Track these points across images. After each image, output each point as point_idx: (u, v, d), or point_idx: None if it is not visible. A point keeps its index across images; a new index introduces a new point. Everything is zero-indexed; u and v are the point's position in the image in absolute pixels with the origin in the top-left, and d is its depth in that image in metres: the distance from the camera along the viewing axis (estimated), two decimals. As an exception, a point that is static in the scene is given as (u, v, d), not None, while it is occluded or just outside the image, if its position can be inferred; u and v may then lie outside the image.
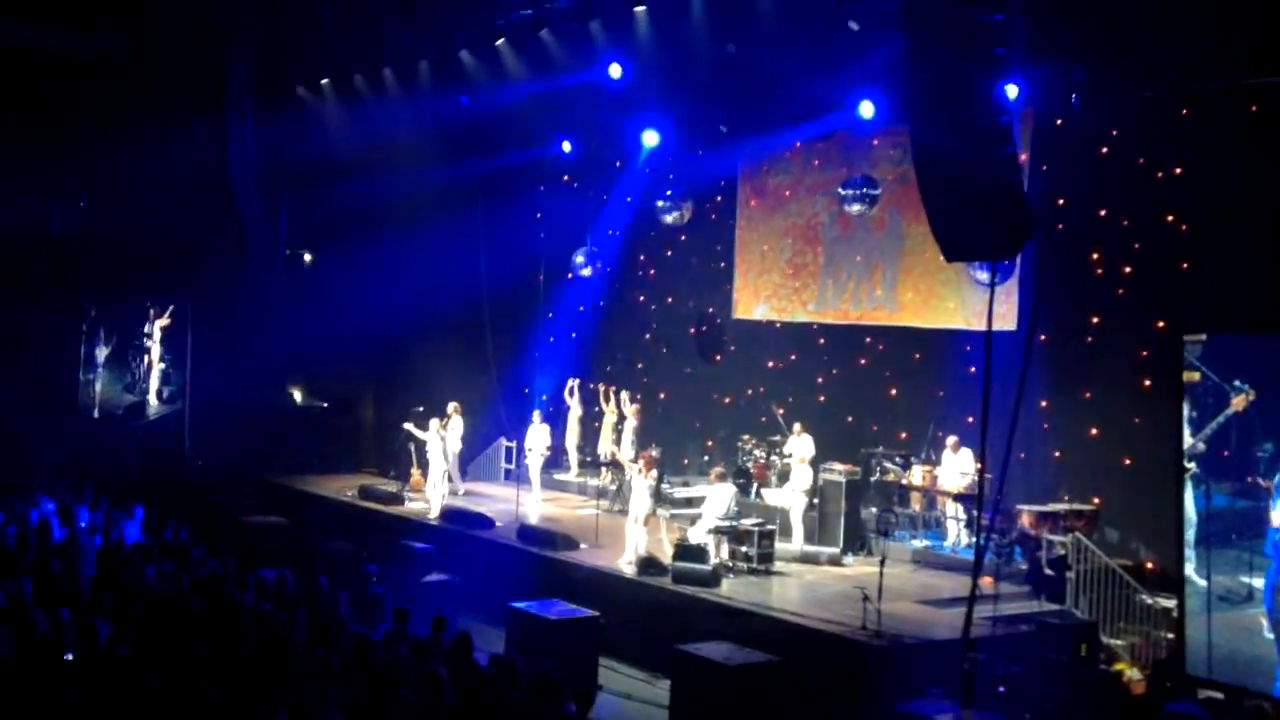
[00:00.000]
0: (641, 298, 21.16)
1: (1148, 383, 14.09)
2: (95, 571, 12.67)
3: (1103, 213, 14.73)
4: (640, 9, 16.74)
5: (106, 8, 20.69)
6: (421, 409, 18.85)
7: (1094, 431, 14.84)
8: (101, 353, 23.96)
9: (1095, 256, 14.84)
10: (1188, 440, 11.33)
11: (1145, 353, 14.20)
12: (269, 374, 22.35)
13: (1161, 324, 13.87)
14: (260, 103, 21.66)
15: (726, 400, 19.67)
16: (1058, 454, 15.09)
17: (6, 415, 21.16)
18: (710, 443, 19.58)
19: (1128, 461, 14.39)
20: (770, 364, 19.07)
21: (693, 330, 20.44)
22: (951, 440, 15.39)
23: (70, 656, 9.49)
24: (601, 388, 19.83)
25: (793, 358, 18.77)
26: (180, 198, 21.51)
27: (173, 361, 22.84)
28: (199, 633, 10.24)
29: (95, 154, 21.41)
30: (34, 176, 21.39)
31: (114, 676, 8.94)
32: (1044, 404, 14.83)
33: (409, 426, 18.59)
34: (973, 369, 14.61)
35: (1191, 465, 11.31)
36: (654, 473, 15.07)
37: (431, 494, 17.93)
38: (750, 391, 19.22)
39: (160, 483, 19.66)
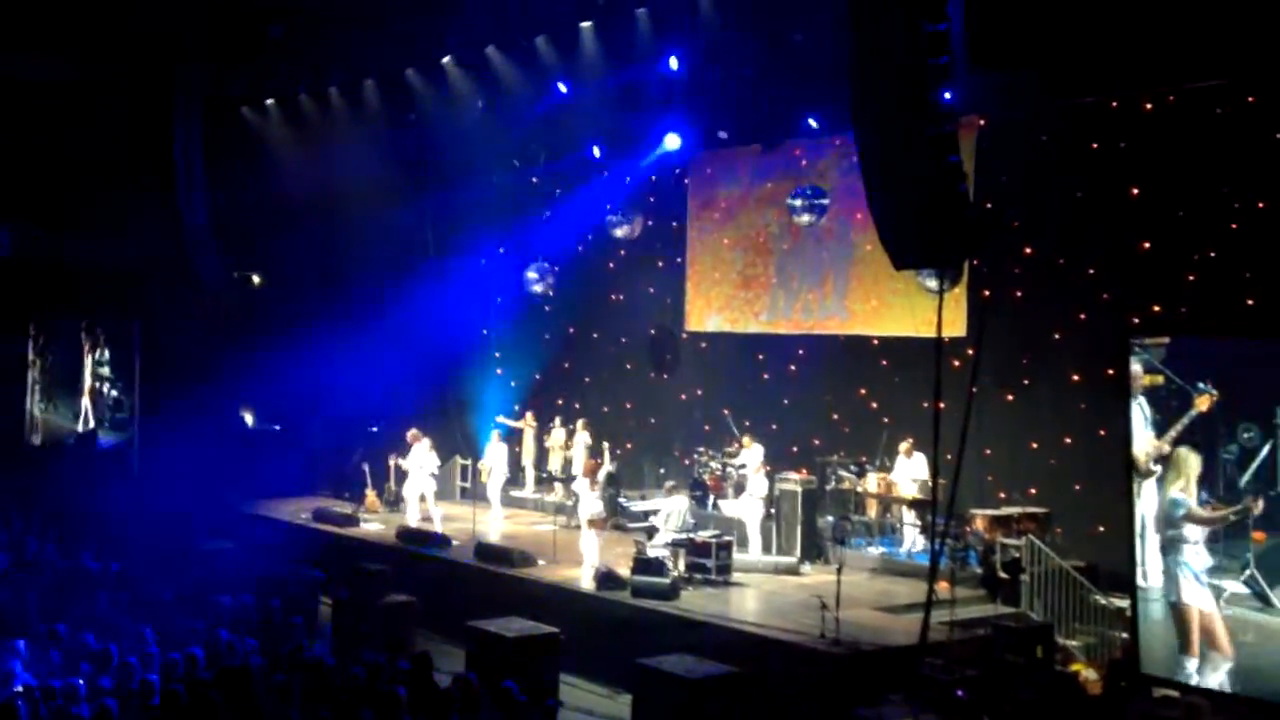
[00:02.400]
0: (594, 312, 21.14)
1: (1098, 386, 14.25)
2: (46, 602, 12.46)
3: (1052, 217, 14.90)
4: (586, 24, 16.81)
5: (56, 32, 20.45)
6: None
7: (1045, 435, 15.00)
8: (43, 379, 23.64)
9: (1043, 262, 15.02)
10: (1152, 443, 11.39)
11: (1096, 356, 14.37)
12: (219, 398, 22.11)
13: (1110, 328, 14.04)
14: (208, 125, 21.48)
15: (680, 413, 19.70)
16: (1010, 458, 15.24)
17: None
18: (665, 455, 19.60)
19: (1079, 464, 14.55)
20: (724, 375, 19.12)
21: (646, 343, 20.46)
22: (905, 445, 15.51)
23: (21, 687, 9.35)
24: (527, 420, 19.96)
25: (746, 369, 18.83)
26: (128, 220, 21.24)
27: (123, 388, 22.55)
28: (153, 661, 10.12)
29: (41, 177, 21.15)
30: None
31: (68, 706, 8.81)
32: (995, 409, 14.98)
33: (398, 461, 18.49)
34: (923, 376, 14.72)
35: (1156, 468, 11.38)
36: (598, 477, 15.14)
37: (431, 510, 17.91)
38: (704, 403, 19.26)
39: (111, 510, 19.37)
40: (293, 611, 12.86)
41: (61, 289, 22.19)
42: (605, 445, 18.87)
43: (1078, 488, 14.53)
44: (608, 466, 18.48)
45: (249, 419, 23.08)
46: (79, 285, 21.98)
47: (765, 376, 18.48)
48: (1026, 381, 15.22)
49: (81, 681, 9.59)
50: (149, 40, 20.60)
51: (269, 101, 21.18)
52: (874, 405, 16.84)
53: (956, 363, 14.17)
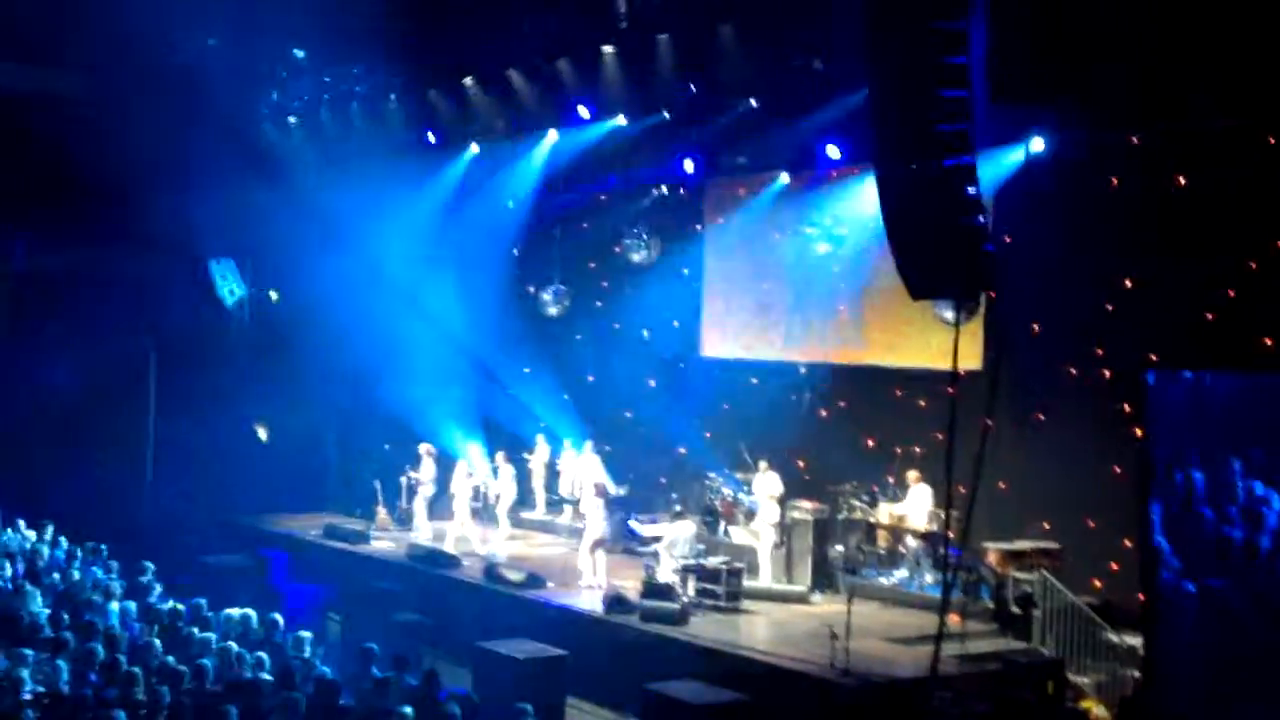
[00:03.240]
0: (608, 335, 21.16)
1: (1112, 421, 14.21)
2: (56, 611, 12.47)
3: (1067, 252, 14.89)
4: (608, 49, 16.89)
5: (71, 47, 20.61)
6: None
7: (1059, 469, 14.94)
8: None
9: (1060, 296, 14.99)
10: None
11: (1110, 391, 14.34)
12: (233, 412, 22.18)
13: (1126, 363, 14.01)
14: (225, 140, 21.61)
15: (693, 438, 19.66)
16: (1023, 492, 15.17)
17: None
18: (676, 480, 19.55)
19: (1093, 500, 14.48)
20: (738, 401, 19.09)
21: (660, 367, 20.46)
22: (912, 475, 15.45)
23: (28, 695, 9.35)
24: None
25: (760, 395, 18.81)
26: (144, 236, 21.34)
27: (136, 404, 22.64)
28: (162, 673, 10.11)
29: (57, 192, 21.27)
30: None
31: (74, 717, 8.81)
32: (1009, 442, 14.93)
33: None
34: (938, 407, 14.69)
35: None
36: (602, 500, 15.24)
37: (469, 532, 17.78)
38: (718, 429, 19.22)
39: (122, 521, 19.43)
40: (301, 627, 12.84)
41: (79, 303, 22.30)
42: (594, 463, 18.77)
43: (1091, 524, 14.45)
44: (617, 490, 18.49)
45: (263, 434, 23.11)
46: (96, 299, 22.07)
47: (779, 404, 18.44)
48: (1042, 415, 15.16)
49: (89, 691, 9.61)
50: (164, 60, 20.77)
51: (291, 119, 21.29)
52: (888, 436, 16.78)
53: (971, 395, 14.15)
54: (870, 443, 17.07)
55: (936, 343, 15.81)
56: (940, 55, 10.67)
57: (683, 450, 19.70)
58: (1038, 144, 14.06)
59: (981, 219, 11.09)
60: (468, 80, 18.58)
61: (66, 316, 22.48)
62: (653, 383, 20.49)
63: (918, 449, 15.72)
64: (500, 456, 19.14)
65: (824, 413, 17.81)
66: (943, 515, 14.32)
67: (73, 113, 21.13)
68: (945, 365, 12.20)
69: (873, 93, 11.20)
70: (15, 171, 20.91)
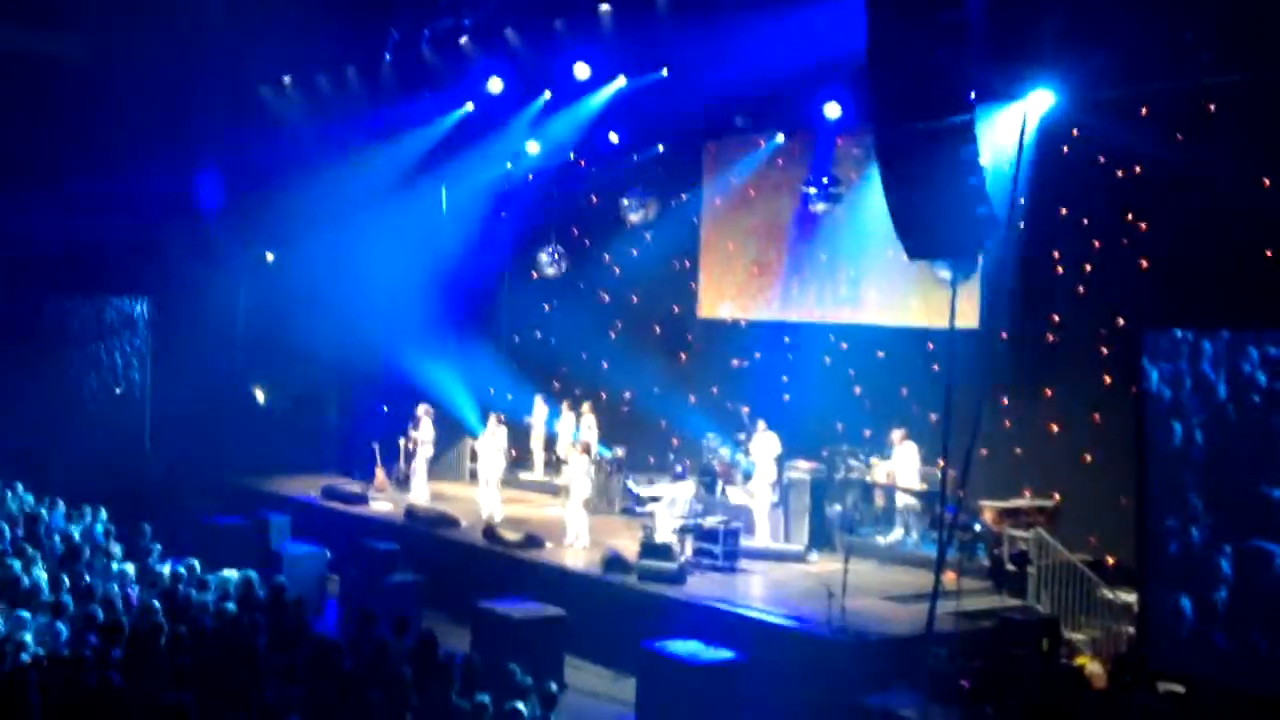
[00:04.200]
0: (606, 296, 21.13)
1: (1108, 380, 14.23)
2: (55, 574, 12.50)
3: (1064, 211, 14.86)
4: (605, 7, 16.75)
5: (72, 10, 20.48)
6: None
7: (1055, 428, 14.98)
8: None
9: (1056, 255, 14.97)
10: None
11: (1106, 350, 14.35)
12: (231, 373, 22.19)
13: (1121, 321, 14.01)
14: (224, 100, 21.51)
15: (691, 399, 19.69)
16: (1019, 450, 15.22)
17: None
18: (675, 441, 19.59)
19: (1088, 458, 14.53)
20: (735, 362, 19.11)
21: (657, 329, 20.46)
22: (898, 433, 15.46)
23: (28, 658, 9.39)
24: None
25: (757, 356, 18.82)
26: (143, 195, 21.26)
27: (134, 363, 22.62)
28: (160, 635, 10.15)
29: (58, 154, 21.18)
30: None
31: (75, 679, 8.85)
32: (1005, 401, 14.96)
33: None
34: (935, 366, 14.71)
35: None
36: (588, 457, 15.63)
37: (486, 497, 17.70)
38: (715, 390, 19.25)
39: (120, 483, 19.45)
40: (300, 588, 12.90)
41: (77, 263, 22.24)
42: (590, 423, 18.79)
43: (1087, 481, 14.50)
44: (615, 452, 18.54)
45: (260, 395, 23.13)
46: (95, 259, 22.01)
47: (776, 364, 18.45)
48: (1037, 374, 15.17)
49: (89, 653, 9.65)
50: (166, 23, 20.62)
51: (286, 79, 21.15)
52: (885, 395, 16.80)
53: (968, 353, 14.14)
54: (867, 403, 17.09)
55: (934, 302, 15.84)
56: (939, 11, 10.60)
57: (678, 411, 19.71)
58: (1037, 102, 13.96)
59: (978, 179, 11.05)
60: (463, 40, 18.42)
61: (64, 279, 22.45)
62: (648, 343, 20.49)
63: (915, 408, 15.73)
64: (494, 419, 19.09)
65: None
66: (935, 473, 14.39)
67: (73, 75, 21.05)
68: (943, 324, 12.21)
69: (872, 50, 11.12)
70: (11, 133, 20.83)
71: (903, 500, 15.70)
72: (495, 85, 18.49)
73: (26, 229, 21.84)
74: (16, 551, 13.16)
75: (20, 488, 17.24)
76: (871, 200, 15.91)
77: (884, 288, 16.98)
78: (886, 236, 13.76)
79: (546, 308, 21.69)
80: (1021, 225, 14.73)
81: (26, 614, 10.53)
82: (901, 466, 15.41)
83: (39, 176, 21.23)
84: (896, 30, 10.90)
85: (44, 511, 15.75)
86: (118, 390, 22.58)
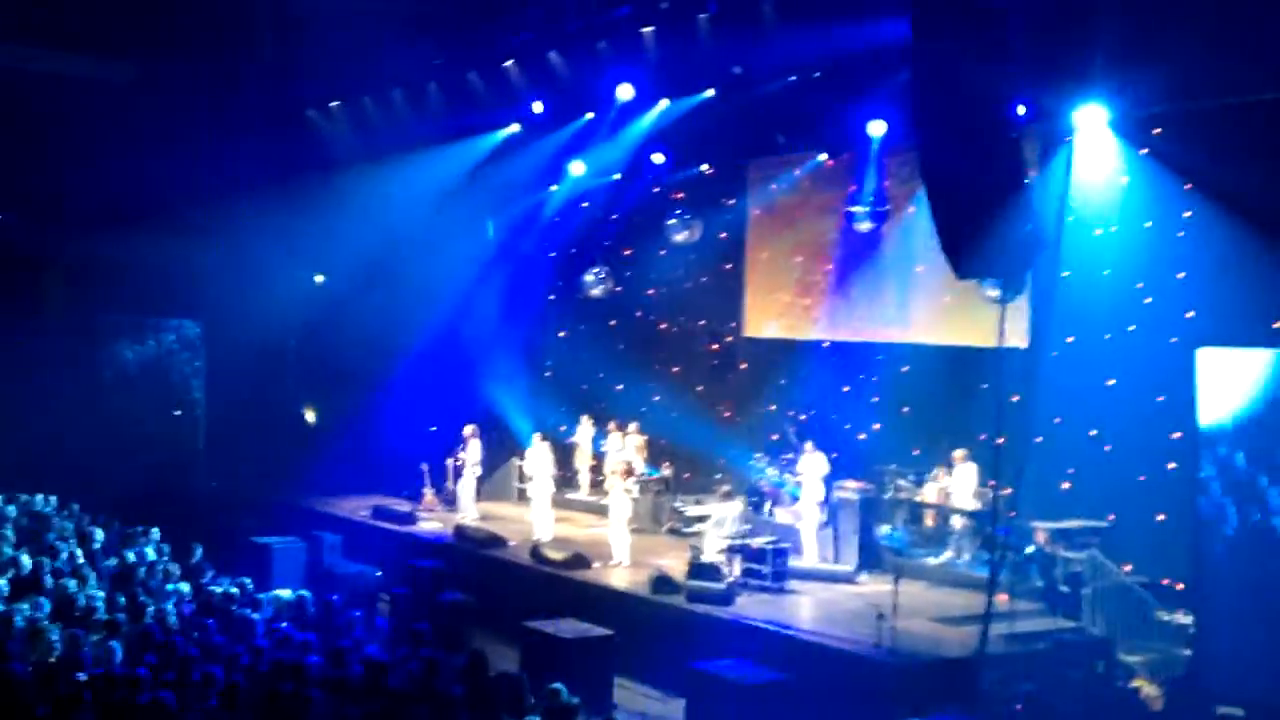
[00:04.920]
0: (651, 317, 21.17)
1: (1160, 399, 14.05)
2: (111, 593, 12.68)
3: (1113, 228, 14.72)
4: (648, 30, 16.82)
5: (118, 33, 20.82)
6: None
7: (1108, 447, 14.79)
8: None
9: (1106, 273, 14.82)
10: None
11: (1157, 369, 14.17)
12: (282, 394, 22.42)
13: (1174, 340, 13.84)
14: (274, 120, 21.80)
15: (738, 418, 19.66)
16: (1071, 470, 15.04)
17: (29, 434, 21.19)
18: (722, 461, 19.55)
19: (1142, 478, 14.34)
20: (782, 382, 19.06)
21: (703, 349, 20.45)
22: (958, 454, 15.36)
23: (84, 677, 9.52)
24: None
25: (804, 375, 18.76)
26: (192, 219, 21.57)
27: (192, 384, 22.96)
28: (214, 654, 10.26)
29: (107, 176, 21.53)
30: (46, 198, 21.49)
31: (129, 698, 8.95)
32: (1057, 420, 14.79)
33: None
34: (985, 386, 14.60)
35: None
36: (631, 479, 15.76)
37: (535, 517, 17.65)
38: (761, 409, 19.20)
39: (174, 503, 19.71)
40: (351, 608, 12.98)
41: (128, 286, 22.59)
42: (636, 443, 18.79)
43: (1141, 501, 14.31)
44: (663, 471, 18.55)
45: (310, 417, 23.34)
46: (145, 282, 22.36)
47: (823, 383, 18.38)
48: (1087, 393, 15.00)
49: (144, 672, 9.76)
50: (210, 45, 20.94)
51: (333, 103, 21.41)
52: (933, 414, 16.69)
53: (1018, 373, 14.03)
54: (915, 422, 16.99)
55: (982, 321, 15.72)
56: (984, 29, 10.56)
57: (725, 431, 19.68)
58: (1086, 119, 13.87)
59: (1026, 197, 11.00)
60: (508, 63, 18.57)
61: (120, 302, 22.83)
62: (695, 363, 20.49)
63: (964, 428, 15.62)
64: (537, 438, 19.09)
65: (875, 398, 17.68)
66: (990, 494, 14.26)
67: (122, 100, 21.40)
68: (991, 344, 12.15)
69: (917, 69, 11.11)
70: (68, 160, 21.21)
71: (954, 521, 15.57)
72: (538, 108, 18.62)
73: (80, 252, 22.26)
74: (72, 571, 13.35)
75: (76, 508, 17.51)
76: (918, 219, 15.90)
77: (931, 307, 16.87)
78: (933, 255, 13.74)
79: (591, 328, 21.72)
80: (1070, 243, 14.60)
81: (82, 633, 10.67)
82: (960, 486, 15.29)
83: (91, 199, 21.62)
84: (941, 47, 10.87)
85: (99, 531, 15.97)
86: (177, 413, 22.85)
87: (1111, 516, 14.24)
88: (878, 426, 17.42)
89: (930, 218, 11.34)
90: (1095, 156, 14.57)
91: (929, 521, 16.00)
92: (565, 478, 19.94)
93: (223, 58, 21.31)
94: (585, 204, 21.25)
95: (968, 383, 15.75)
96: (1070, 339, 14.74)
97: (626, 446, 18.91)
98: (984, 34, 10.47)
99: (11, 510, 16.90)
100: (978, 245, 11.07)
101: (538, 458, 17.94)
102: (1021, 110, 12.88)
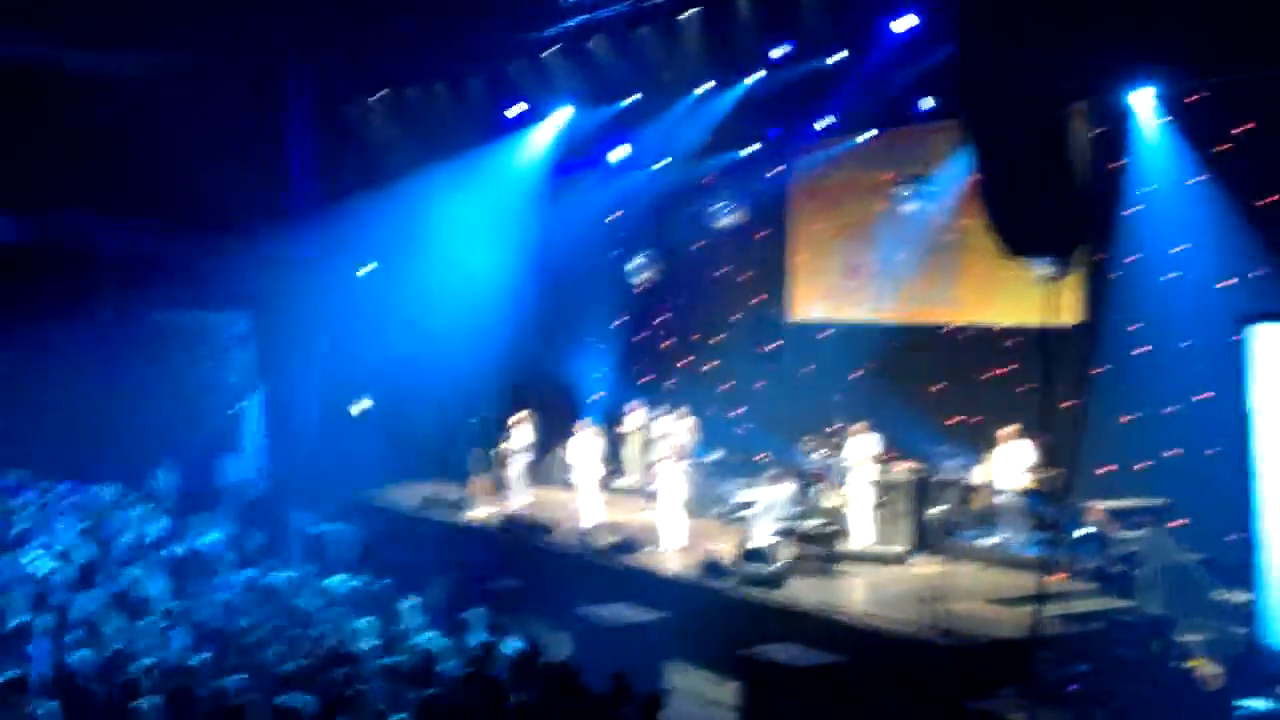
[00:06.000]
0: (697, 300, 21.13)
1: (1217, 374, 13.83)
2: (169, 581, 12.87)
3: (1167, 203, 14.50)
4: (692, 11, 16.74)
5: (170, 28, 20.99)
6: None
7: (1163, 425, 14.59)
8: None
9: (1161, 248, 14.61)
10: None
11: (1214, 345, 13.95)
12: (333, 383, 22.60)
13: (1230, 316, 13.62)
14: (319, 115, 21.95)
15: (785, 400, 19.58)
16: (1126, 448, 14.86)
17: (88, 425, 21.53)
18: (770, 444, 19.48)
19: (1200, 455, 14.13)
20: (829, 364, 18.96)
21: (749, 331, 20.39)
22: (1005, 432, 15.21)
23: (145, 664, 9.66)
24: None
25: (851, 357, 18.65)
26: (241, 211, 21.77)
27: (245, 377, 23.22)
28: (271, 641, 10.39)
29: (158, 172, 21.76)
30: (96, 194, 21.78)
31: (188, 687, 9.08)
32: (1110, 398, 14.62)
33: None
34: (1037, 365, 14.44)
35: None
36: (683, 461, 15.63)
37: (583, 503, 17.68)
38: (809, 392, 19.11)
39: (230, 492, 19.98)
40: (403, 595, 13.09)
41: (179, 280, 22.87)
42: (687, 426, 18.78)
43: (1198, 479, 14.11)
44: (713, 455, 18.53)
45: (359, 407, 23.51)
46: (196, 275, 22.61)
47: (871, 365, 18.28)
48: (1140, 371, 14.81)
49: (202, 660, 9.90)
50: (261, 40, 21.07)
51: (378, 94, 21.52)
52: (983, 394, 16.55)
53: (1072, 350, 13.87)
54: (966, 402, 16.85)
55: (1034, 300, 15.54)
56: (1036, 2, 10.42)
57: (773, 414, 19.62)
58: (1141, 92, 13.67)
59: (1078, 173, 10.86)
60: (550, 50, 18.56)
61: (172, 297, 23.11)
62: (741, 346, 20.43)
63: (1015, 407, 15.47)
64: (584, 423, 19.08)
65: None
66: (1042, 474, 14.13)
67: (169, 94, 21.61)
68: (1043, 322, 12.02)
69: (965, 43, 10.99)
70: (114, 154, 21.47)
71: (1006, 501, 15.43)
72: (581, 93, 18.61)
73: (133, 246, 22.57)
74: (131, 561, 13.56)
75: (134, 498, 17.80)
76: (965, 196, 15.75)
77: (980, 285, 16.72)
78: (982, 233, 13.61)
79: (635, 312, 21.71)
80: (1122, 220, 14.41)
81: (141, 623, 10.84)
82: (1010, 465, 15.16)
83: (142, 195, 21.90)
84: (990, 20, 10.74)
85: (158, 520, 16.22)
86: (236, 405, 23.05)
87: (1164, 503, 14.06)
88: (927, 406, 17.29)
89: (979, 194, 11.24)
90: (1147, 133, 14.37)
91: (981, 502, 15.86)
92: (615, 463, 19.94)
93: (272, 53, 21.43)
94: (627, 186, 21.19)
95: (1018, 361, 15.60)
96: (1125, 319, 14.53)
97: (677, 429, 18.89)
98: (1034, 8, 10.34)
99: (74, 500, 17.23)
100: (1028, 222, 10.96)
101: (585, 443, 17.98)
102: (1072, 86, 12.80)
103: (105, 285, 23.01)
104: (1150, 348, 14.75)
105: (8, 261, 22.13)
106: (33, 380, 21.70)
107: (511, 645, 10.63)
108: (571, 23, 18.14)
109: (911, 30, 14.95)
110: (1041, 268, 13.94)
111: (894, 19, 15.12)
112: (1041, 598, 10.97)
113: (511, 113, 19.66)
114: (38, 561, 13.47)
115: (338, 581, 13.05)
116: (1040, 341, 13.47)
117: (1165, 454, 14.51)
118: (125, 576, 12.77)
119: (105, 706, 8.82)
